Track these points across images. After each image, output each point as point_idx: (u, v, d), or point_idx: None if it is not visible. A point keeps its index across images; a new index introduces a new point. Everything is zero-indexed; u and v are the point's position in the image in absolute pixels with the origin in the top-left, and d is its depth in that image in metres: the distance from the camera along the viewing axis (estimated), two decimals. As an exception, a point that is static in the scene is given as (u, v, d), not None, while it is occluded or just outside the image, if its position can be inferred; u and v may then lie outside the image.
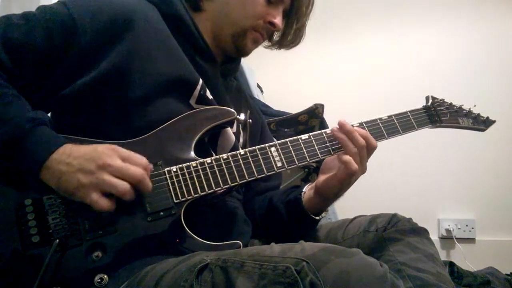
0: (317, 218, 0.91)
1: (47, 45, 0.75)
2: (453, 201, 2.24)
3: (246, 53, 0.97)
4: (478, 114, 1.07)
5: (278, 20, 0.91)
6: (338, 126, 0.85)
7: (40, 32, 0.74)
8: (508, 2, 2.31)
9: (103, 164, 0.65)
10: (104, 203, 0.64)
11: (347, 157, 0.81)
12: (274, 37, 1.04)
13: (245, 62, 2.09)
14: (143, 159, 0.69)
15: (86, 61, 0.77)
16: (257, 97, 2.01)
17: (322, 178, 0.88)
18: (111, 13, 0.78)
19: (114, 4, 0.80)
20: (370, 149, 0.85)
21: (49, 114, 0.81)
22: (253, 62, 2.17)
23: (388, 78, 2.35)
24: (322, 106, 1.74)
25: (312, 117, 1.75)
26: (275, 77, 2.47)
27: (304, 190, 0.93)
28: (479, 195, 2.21)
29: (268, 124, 1.74)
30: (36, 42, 0.74)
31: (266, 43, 1.04)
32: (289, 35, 1.01)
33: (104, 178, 0.64)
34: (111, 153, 0.66)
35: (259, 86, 2.22)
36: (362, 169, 0.85)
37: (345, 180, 0.83)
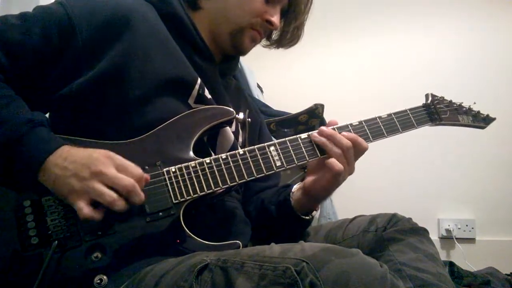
0: (306, 218, 0.91)
1: (45, 45, 0.74)
2: (453, 201, 2.24)
3: (244, 52, 0.97)
4: (478, 112, 1.06)
5: (275, 19, 0.91)
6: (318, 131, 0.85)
7: (37, 32, 0.74)
8: (508, 1, 2.31)
9: (96, 172, 0.64)
10: (86, 212, 0.63)
11: (331, 159, 0.81)
12: (273, 36, 1.04)
13: (245, 62, 2.09)
14: (137, 169, 0.68)
15: (84, 60, 0.76)
16: (257, 97, 2.01)
17: (309, 179, 0.88)
18: (109, 13, 0.78)
19: (111, 3, 0.80)
20: (358, 151, 0.84)
21: (47, 115, 0.81)
22: (253, 62, 2.17)
23: (388, 78, 2.35)
24: (322, 106, 1.74)
25: (312, 117, 1.75)
26: (275, 77, 2.47)
27: (292, 190, 0.93)
28: (479, 195, 2.21)
29: (268, 124, 1.74)
30: (33, 42, 0.74)
31: (264, 42, 1.04)
32: (287, 33, 1.01)
33: (93, 186, 0.63)
34: (106, 161, 0.66)
35: (259, 86, 2.22)
36: (350, 170, 0.84)
37: (332, 181, 0.84)
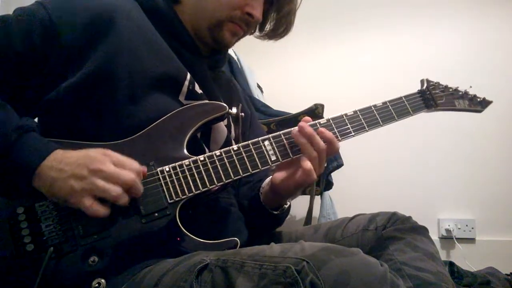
0: (275, 213, 0.91)
1: (27, 48, 0.72)
2: (453, 201, 2.24)
3: (225, 46, 0.93)
4: (474, 96, 1.03)
5: (256, 11, 0.88)
6: (298, 128, 0.81)
7: (19, 35, 0.72)
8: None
9: (95, 169, 0.63)
10: (98, 209, 0.63)
11: (309, 166, 0.78)
12: (265, 28, 1.01)
13: (245, 62, 2.09)
14: (135, 164, 0.68)
15: (69, 62, 0.75)
16: (257, 97, 2.01)
17: (278, 176, 0.85)
18: (92, 12, 0.76)
19: (93, 2, 0.78)
20: (330, 153, 0.82)
21: (36, 119, 0.80)
22: (253, 62, 2.17)
23: (388, 77, 2.35)
24: (322, 106, 1.74)
25: (312, 117, 1.74)
26: (275, 77, 2.47)
27: (262, 185, 0.92)
28: (479, 195, 2.21)
29: (268, 124, 1.73)
30: (15, 45, 0.72)
31: (258, 33, 1.02)
32: (275, 24, 0.98)
33: (96, 183, 0.63)
34: (103, 158, 0.65)
35: (259, 86, 2.22)
36: (320, 171, 0.82)
37: (302, 185, 0.82)
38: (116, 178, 0.64)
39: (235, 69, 1.97)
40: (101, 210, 0.63)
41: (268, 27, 1.01)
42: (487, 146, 2.23)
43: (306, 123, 0.81)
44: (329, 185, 1.87)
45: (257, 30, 1.02)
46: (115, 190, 0.64)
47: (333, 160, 1.75)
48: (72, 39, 0.74)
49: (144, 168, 0.69)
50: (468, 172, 2.23)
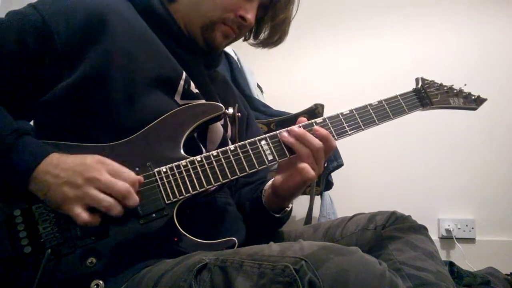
0: (277, 216, 0.91)
1: (21, 51, 0.72)
2: (453, 201, 2.24)
3: (216, 47, 0.92)
4: (469, 93, 1.03)
5: (250, 15, 0.87)
6: (288, 131, 0.81)
7: (12, 39, 0.72)
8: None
9: (90, 178, 0.63)
10: (85, 217, 0.62)
11: (303, 165, 0.79)
12: (261, 36, 1.01)
13: (245, 63, 2.09)
14: (131, 174, 0.67)
15: (64, 64, 0.74)
16: (257, 97, 2.01)
17: (278, 178, 0.86)
18: (85, 13, 0.76)
19: (86, 3, 0.78)
20: (328, 150, 0.82)
21: (32, 122, 0.80)
22: (253, 62, 2.17)
23: (389, 77, 2.35)
24: (322, 106, 1.74)
25: (312, 117, 1.74)
26: (275, 77, 2.48)
27: (265, 188, 0.92)
28: (479, 195, 2.22)
29: (268, 124, 1.74)
30: (9, 49, 0.72)
31: (252, 40, 1.02)
32: (272, 32, 0.98)
33: (89, 192, 0.63)
34: (99, 167, 0.65)
35: (259, 86, 2.22)
36: (319, 170, 0.82)
37: (301, 185, 0.82)
38: (110, 188, 0.64)
39: (235, 69, 1.97)
40: (89, 218, 0.63)
41: (262, 35, 1.01)
42: (487, 146, 2.23)
43: (294, 126, 0.81)
44: (329, 185, 1.87)
45: (251, 37, 1.02)
46: (107, 200, 0.63)
47: (333, 160, 1.76)
48: (66, 40, 0.74)
49: (141, 178, 0.69)
50: (468, 172, 2.23)
